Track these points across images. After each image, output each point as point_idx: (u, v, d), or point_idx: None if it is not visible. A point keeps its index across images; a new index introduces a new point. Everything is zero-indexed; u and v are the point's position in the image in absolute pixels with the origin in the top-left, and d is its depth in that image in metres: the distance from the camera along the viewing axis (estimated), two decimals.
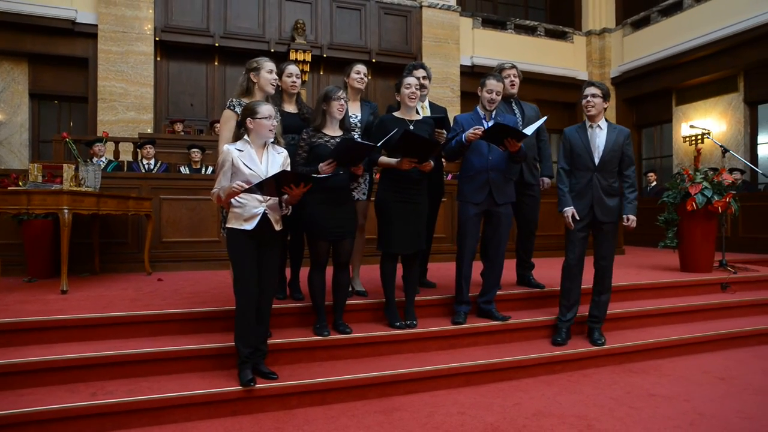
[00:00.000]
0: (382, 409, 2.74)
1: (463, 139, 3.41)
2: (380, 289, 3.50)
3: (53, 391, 2.60)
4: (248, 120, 2.76)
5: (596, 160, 3.46)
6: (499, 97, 3.60)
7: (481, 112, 3.63)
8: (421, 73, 3.96)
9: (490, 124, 3.58)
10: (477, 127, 3.41)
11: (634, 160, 3.60)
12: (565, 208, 3.50)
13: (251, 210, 2.70)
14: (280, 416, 2.65)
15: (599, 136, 3.48)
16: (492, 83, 3.56)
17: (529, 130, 3.36)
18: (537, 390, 3.04)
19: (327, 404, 2.80)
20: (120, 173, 6.30)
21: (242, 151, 2.74)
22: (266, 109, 2.76)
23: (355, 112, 3.76)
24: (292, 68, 3.57)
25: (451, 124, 3.81)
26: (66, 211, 3.89)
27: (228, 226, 2.76)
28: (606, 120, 3.55)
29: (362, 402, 2.84)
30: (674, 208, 5.30)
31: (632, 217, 3.49)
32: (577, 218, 3.47)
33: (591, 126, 3.51)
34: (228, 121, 3.09)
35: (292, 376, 2.82)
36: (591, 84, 3.55)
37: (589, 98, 3.47)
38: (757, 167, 8.42)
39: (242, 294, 2.72)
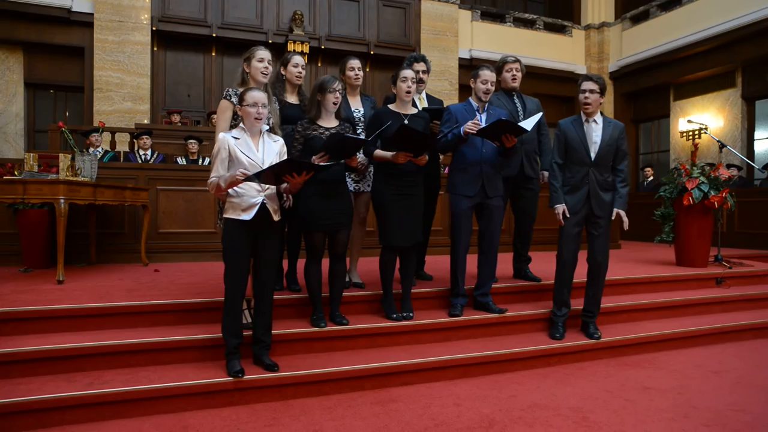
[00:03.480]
0: (378, 400, 2.76)
1: (462, 132, 3.38)
2: (377, 281, 3.51)
3: (50, 380, 2.60)
4: (237, 107, 2.75)
5: (593, 155, 3.42)
6: (493, 87, 3.56)
7: (475, 104, 3.59)
8: (421, 66, 3.93)
9: (483, 116, 3.56)
10: (475, 121, 3.38)
11: (628, 155, 3.58)
12: (557, 205, 3.47)
13: (249, 200, 2.67)
14: (277, 406, 2.66)
15: (595, 131, 3.44)
16: (486, 73, 3.51)
17: (528, 125, 3.31)
18: (532, 382, 3.06)
19: (323, 395, 2.81)
20: (116, 163, 6.28)
21: (239, 139, 2.71)
22: (252, 96, 2.68)
23: (357, 107, 3.74)
24: (298, 59, 3.56)
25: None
26: (62, 200, 3.87)
27: (225, 216, 2.73)
28: (601, 114, 3.50)
29: (359, 393, 2.85)
30: (671, 203, 5.31)
31: (621, 212, 3.43)
32: (567, 216, 3.44)
33: (587, 120, 3.46)
34: (224, 112, 3.06)
35: (289, 367, 2.83)
36: (588, 78, 3.44)
37: (587, 94, 3.38)
38: (753, 163, 8.45)
39: (232, 285, 2.70)
